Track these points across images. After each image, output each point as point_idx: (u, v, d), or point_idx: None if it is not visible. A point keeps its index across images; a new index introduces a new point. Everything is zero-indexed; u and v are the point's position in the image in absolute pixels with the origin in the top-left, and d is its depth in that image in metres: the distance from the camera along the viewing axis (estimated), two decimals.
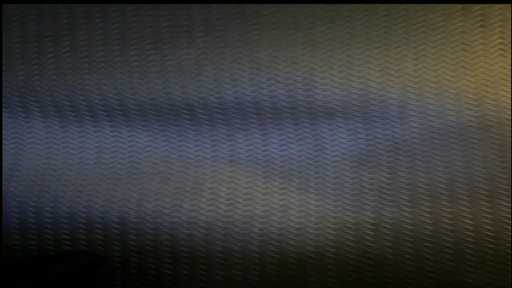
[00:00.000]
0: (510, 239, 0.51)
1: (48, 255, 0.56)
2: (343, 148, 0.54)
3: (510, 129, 0.51)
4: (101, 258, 0.55)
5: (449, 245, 0.52)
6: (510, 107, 0.51)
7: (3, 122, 0.57)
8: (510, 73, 0.51)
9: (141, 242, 0.55)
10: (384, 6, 0.52)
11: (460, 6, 0.52)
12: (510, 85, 0.51)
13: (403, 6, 0.52)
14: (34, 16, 0.56)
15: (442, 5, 0.52)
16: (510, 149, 0.51)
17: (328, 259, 0.53)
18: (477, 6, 0.52)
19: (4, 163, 0.57)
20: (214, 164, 0.55)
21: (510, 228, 0.51)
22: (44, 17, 0.56)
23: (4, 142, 0.57)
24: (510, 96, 0.51)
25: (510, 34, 0.51)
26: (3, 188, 0.56)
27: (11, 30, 0.57)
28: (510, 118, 0.51)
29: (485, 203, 0.51)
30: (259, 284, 0.54)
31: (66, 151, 0.57)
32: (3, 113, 0.57)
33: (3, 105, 0.57)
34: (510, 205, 0.51)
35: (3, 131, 0.57)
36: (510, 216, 0.51)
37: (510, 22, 0.51)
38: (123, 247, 0.55)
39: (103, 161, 0.56)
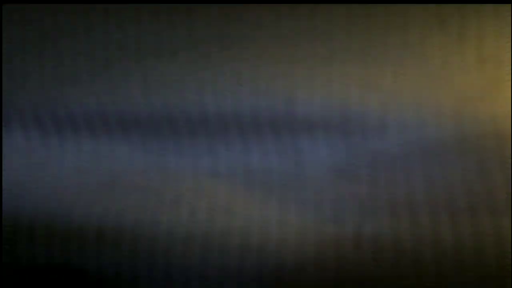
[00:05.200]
0: (492, 251, 0.50)
1: (22, 267, 0.55)
2: (323, 162, 0.54)
3: (489, 143, 0.51)
4: (77, 272, 0.54)
5: (429, 258, 0.51)
6: (488, 121, 0.51)
7: None
8: (487, 87, 0.52)
9: (119, 255, 0.54)
10: (364, 20, 0.53)
11: (437, 17, 0.53)
12: (487, 99, 0.52)
13: (382, 21, 0.53)
14: (17, 28, 0.57)
15: (420, 22, 0.53)
16: (500, 162, 0.51)
17: (308, 273, 0.52)
18: (454, 22, 0.53)
19: None
20: (194, 177, 0.55)
21: (491, 240, 0.51)
22: (28, 28, 0.57)
23: None
24: (488, 110, 0.51)
25: (488, 49, 0.52)
26: None
27: None
28: (489, 132, 0.51)
29: (465, 216, 0.51)
30: None
31: (45, 162, 0.56)
32: None
33: None
34: (490, 218, 0.51)
35: None
36: (490, 229, 0.51)
37: (487, 37, 0.52)
38: (100, 260, 0.54)
39: (82, 173, 0.56)
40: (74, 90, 0.56)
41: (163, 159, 0.55)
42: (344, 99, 0.53)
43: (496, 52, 0.52)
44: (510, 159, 0.51)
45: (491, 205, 0.51)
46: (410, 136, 0.52)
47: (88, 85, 0.55)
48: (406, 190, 0.52)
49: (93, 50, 0.56)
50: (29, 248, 0.55)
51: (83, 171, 0.56)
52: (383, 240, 0.52)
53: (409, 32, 0.53)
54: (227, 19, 0.55)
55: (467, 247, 0.51)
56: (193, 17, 0.55)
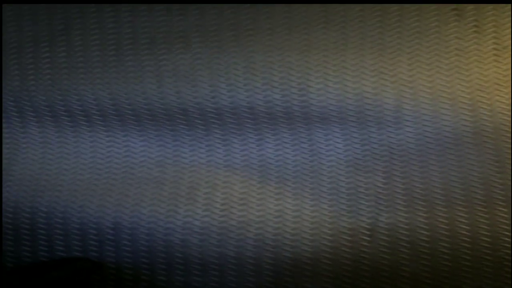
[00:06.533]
0: (508, 245, 0.51)
1: (41, 261, 0.55)
2: (339, 153, 0.54)
3: (506, 134, 0.51)
4: (95, 264, 0.55)
5: (445, 250, 0.51)
6: (505, 112, 0.51)
7: None
8: (504, 78, 0.51)
9: (135, 247, 0.54)
10: (378, 11, 0.53)
11: (453, 8, 0.52)
12: (504, 90, 0.51)
13: (397, 10, 0.53)
14: (29, 21, 0.57)
15: (436, 9, 0.52)
16: (510, 154, 0.51)
17: (324, 265, 0.52)
18: (471, 12, 0.52)
19: None
20: (209, 169, 0.55)
21: (507, 233, 0.51)
22: (40, 22, 0.57)
23: None
24: (505, 101, 0.51)
25: (505, 39, 0.51)
26: None
27: (7, 35, 0.57)
28: (505, 123, 0.51)
29: (481, 208, 0.51)
30: None
31: (60, 155, 0.56)
32: None
33: None
34: (506, 210, 0.51)
35: None
36: (507, 221, 0.51)
37: (504, 27, 0.51)
38: (117, 252, 0.55)
39: (97, 166, 0.56)
40: (87, 83, 0.55)
41: (177, 151, 0.55)
42: (358, 90, 0.53)
43: None
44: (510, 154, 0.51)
45: (507, 197, 0.51)
46: (426, 127, 0.52)
47: (101, 78, 0.55)
48: (421, 182, 0.52)
49: (105, 43, 0.56)
50: (47, 241, 0.55)
51: (98, 164, 0.56)
52: (398, 232, 0.52)
53: (425, 22, 0.52)
54: (239, 9, 0.55)
55: (484, 238, 0.51)
56: (205, 7, 0.55)
